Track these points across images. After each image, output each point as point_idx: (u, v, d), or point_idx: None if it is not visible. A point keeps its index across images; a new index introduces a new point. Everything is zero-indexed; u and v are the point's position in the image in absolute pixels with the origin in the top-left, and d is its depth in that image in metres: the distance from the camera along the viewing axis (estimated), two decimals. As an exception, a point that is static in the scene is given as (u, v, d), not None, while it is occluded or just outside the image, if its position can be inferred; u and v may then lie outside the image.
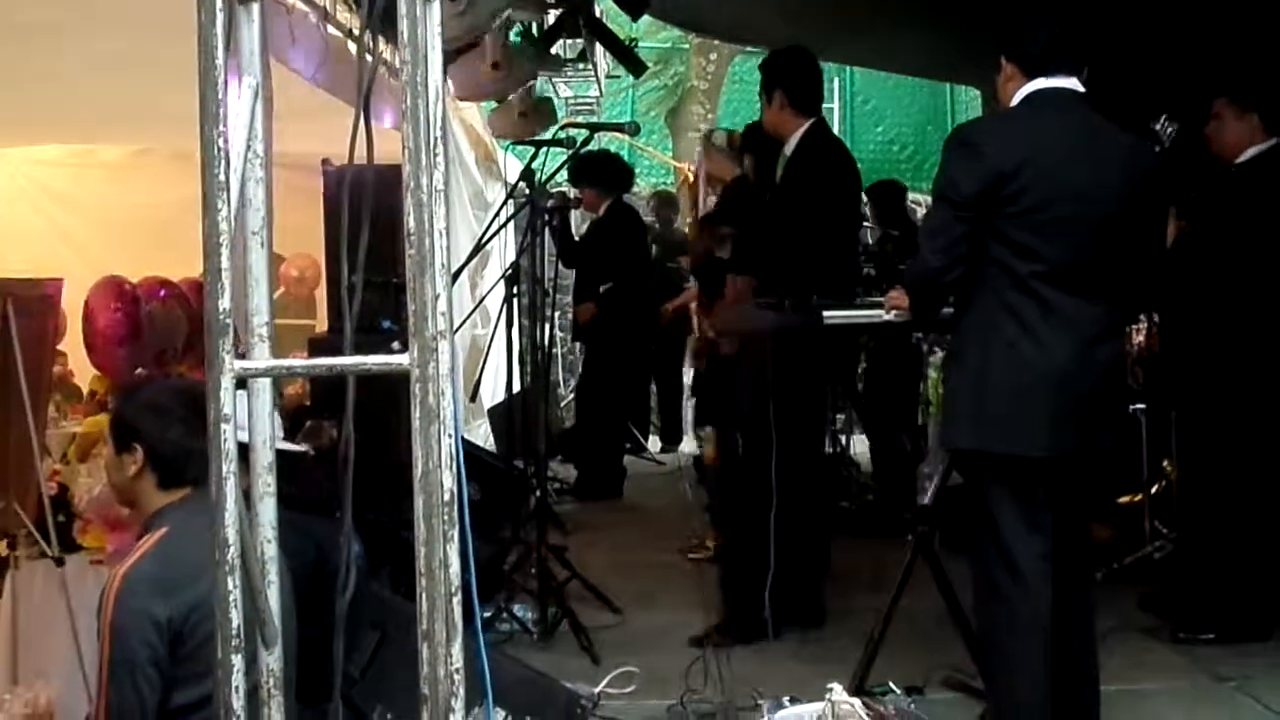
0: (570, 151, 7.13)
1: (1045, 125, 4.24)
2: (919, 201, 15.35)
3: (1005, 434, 4.18)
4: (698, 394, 10.28)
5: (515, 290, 7.65)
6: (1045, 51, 4.27)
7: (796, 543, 5.74)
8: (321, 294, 9.47)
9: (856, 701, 3.84)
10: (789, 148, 5.98)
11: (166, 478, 3.53)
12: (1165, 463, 7.28)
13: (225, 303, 2.17)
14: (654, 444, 11.71)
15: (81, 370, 7.92)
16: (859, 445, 9.47)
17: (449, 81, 8.19)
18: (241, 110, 2.36)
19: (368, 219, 2.41)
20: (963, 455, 4.48)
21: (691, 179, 7.94)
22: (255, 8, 2.44)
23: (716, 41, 16.33)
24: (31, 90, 6.76)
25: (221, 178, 2.17)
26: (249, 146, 2.36)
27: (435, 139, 2.16)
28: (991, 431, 4.20)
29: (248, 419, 2.45)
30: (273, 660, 2.52)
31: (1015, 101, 4.34)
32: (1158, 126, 6.61)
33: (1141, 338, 7.19)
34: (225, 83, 2.17)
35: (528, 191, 6.82)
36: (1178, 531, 6.58)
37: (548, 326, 7.03)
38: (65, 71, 6.37)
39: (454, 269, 5.58)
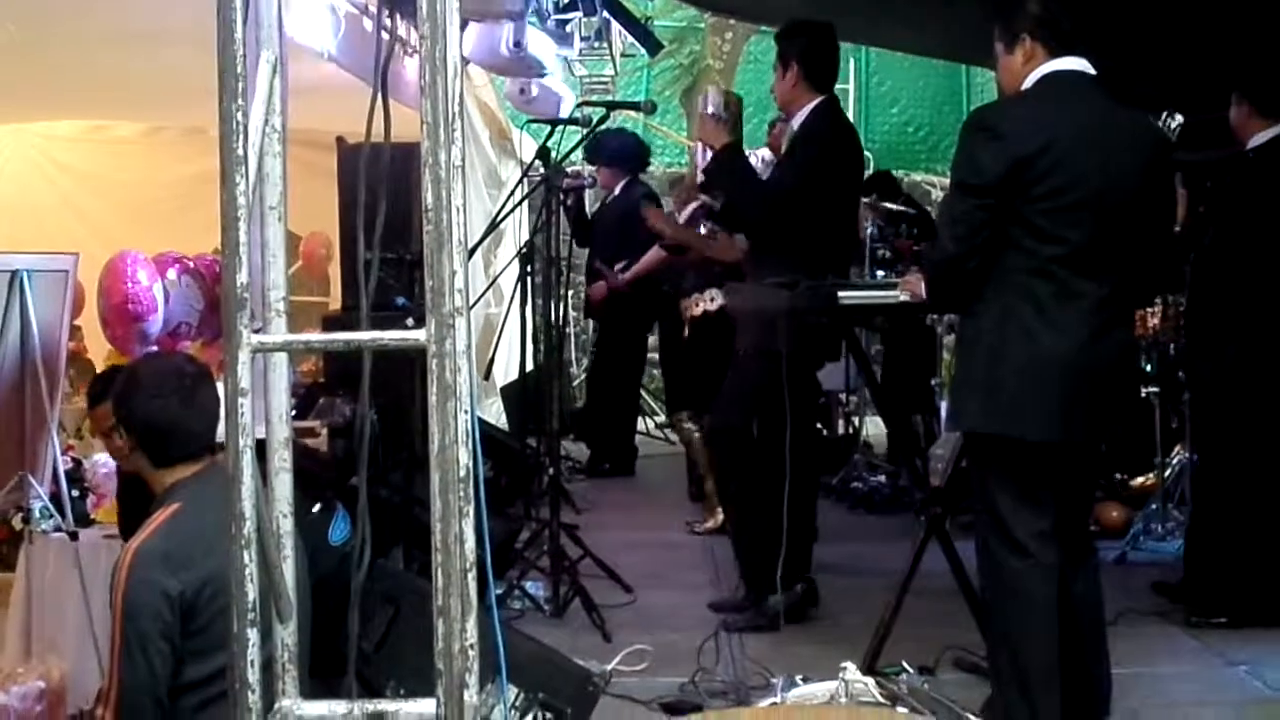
0: (586, 130, 7.10)
1: (1062, 108, 4.21)
2: (933, 183, 15.34)
3: (1017, 418, 4.16)
4: (668, 378, 9.91)
5: (529, 269, 7.65)
6: (1074, 26, 4.25)
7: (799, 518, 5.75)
8: (335, 271, 9.48)
9: (870, 680, 3.85)
10: (796, 122, 5.92)
11: (156, 456, 3.54)
12: (1178, 447, 7.30)
13: (243, 276, 2.17)
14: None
15: (96, 346, 7.94)
16: (872, 427, 9.47)
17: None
18: (260, 85, 2.35)
19: (384, 196, 2.41)
20: (972, 437, 4.48)
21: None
22: (273, -18, 2.44)
23: (732, 21, 16.27)
24: (47, 66, 6.77)
25: (240, 152, 2.17)
26: (267, 121, 2.36)
27: (453, 114, 2.15)
28: (1004, 415, 4.19)
29: (263, 394, 2.45)
30: (287, 634, 2.53)
31: (1029, 84, 4.31)
32: (1162, 120, 6.60)
33: (1156, 321, 7.18)
34: (244, 57, 2.16)
35: (543, 170, 6.80)
36: (1191, 516, 6.56)
37: (561, 305, 7.02)
38: (80, 48, 6.38)
39: (469, 247, 5.58)
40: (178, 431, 3.50)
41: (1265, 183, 5.73)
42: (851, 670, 3.88)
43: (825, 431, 9.22)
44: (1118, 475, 7.80)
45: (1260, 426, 5.73)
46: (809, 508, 6.01)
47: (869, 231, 7.95)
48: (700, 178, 6.42)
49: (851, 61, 16.31)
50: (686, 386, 8.32)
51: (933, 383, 8.66)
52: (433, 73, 2.14)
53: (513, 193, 8.02)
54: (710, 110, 6.08)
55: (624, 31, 10.51)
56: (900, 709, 3.70)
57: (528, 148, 9.86)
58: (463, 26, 6.49)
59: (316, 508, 4.37)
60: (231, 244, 2.17)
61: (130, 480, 4.25)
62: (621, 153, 9.68)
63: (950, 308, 5.14)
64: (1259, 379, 5.70)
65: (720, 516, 7.77)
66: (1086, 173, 4.11)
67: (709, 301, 6.90)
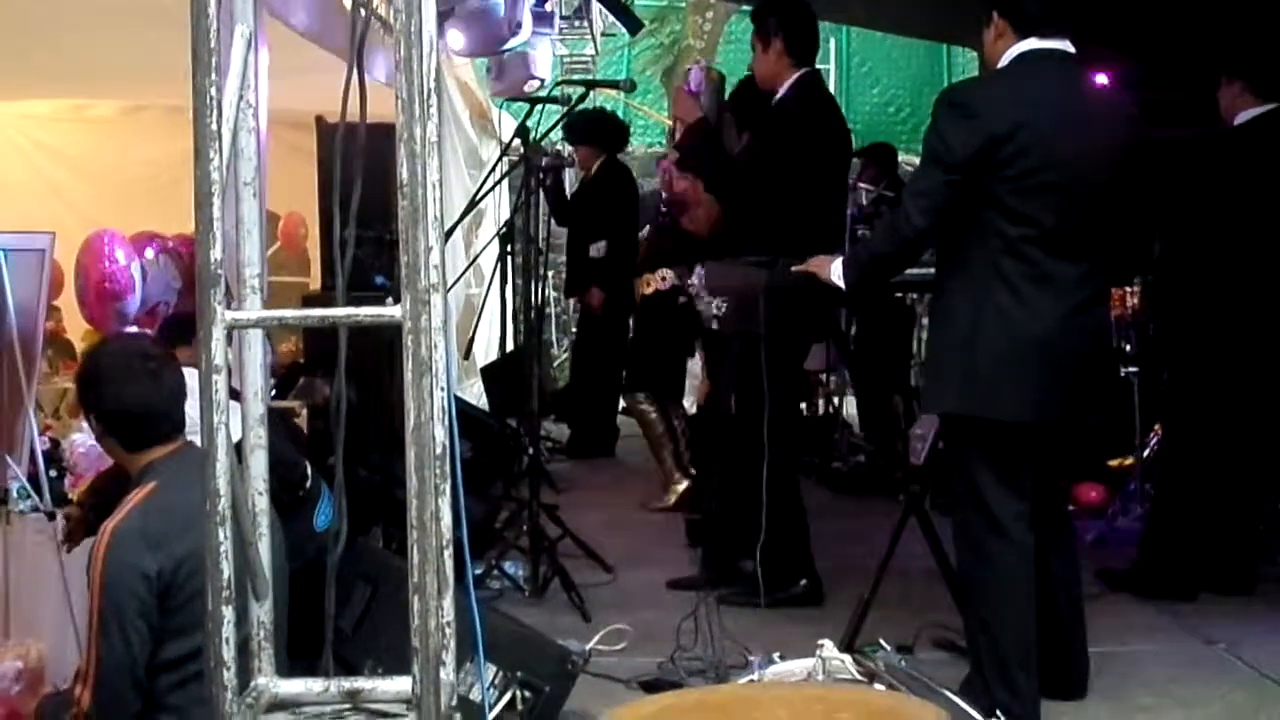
0: (565, 109, 7.08)
1: (1037, 87, 4.20)
2: (913, 163, 15.33)
3: (993, 399, 4.17)
4: (634, 360, 9.65)
5: (509, 249, 7.63)
6: (1041, 9, 4.24)
7: (791, 502, 5.73)
8: (316, 252, 9.46)
9: (847, 658, 3.85)
10: (776, 97, 5.85)
11: (128, 440, 3.52)
12: (1156, 427, 7.31)
13: (216, 253, 2.16)
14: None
15: (74, 326, 7.92)
16: (852, 406, 9.47)
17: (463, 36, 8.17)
18: (234, 59, 2.34)
19: (359, 174, 2.40)
20: (949, 419, 4.48)
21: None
22: (248, -43, 2.42)
23: (713, 0, 16.29)
24: (25, 45, 6.72)
25: (214, 127, 2.16)
26: (241, 96, 2.34)
27: (429, 90, 2.15)
28: (979, 396, 4.20)
29: (239, 370, 2.45)
30: (263, 612, 2.52)
31: (1005, 61, 4.30)
32: None
33: (1136, 301, 7.18)
34: (218, 30, 2.15)
35: (522, 149, 6.78)
36: (1154, 494, 6.55)
37: (541, 285, 6.99)
38: (59, 26, 6.34)
39: (448, 225, 5.55)
40: (148, 414, 3.49)
41: (1250, 158, 5.72)
42: (829, 648, 3.89)
43: (806, 411, 9.20)
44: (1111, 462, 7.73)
45: (1233, 401, 5.74)
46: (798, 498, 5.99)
47: (850, 212, 7.94)
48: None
49: (832, 41, 16.31)
50: (642, 366, 8.27)
51: (911, 362, 8.67)
52: (408, 47, 2.13)
53: (491, 171, 8.00)
54: (690, 86, 6.08)
55: (604, 10, 10.47)
56: (877, 686, 3.71)
57: (508, 127, 9.83)
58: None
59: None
60: (205, 220, 2.16)
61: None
62: (600, 132, 9.63)
63: (877, 283, 4.99)
64: (1234, 355, 5.71)
65: (675, 496, 7.81)
66: (1059, 153, 4.10)
67: (660, 281, 6.90)
